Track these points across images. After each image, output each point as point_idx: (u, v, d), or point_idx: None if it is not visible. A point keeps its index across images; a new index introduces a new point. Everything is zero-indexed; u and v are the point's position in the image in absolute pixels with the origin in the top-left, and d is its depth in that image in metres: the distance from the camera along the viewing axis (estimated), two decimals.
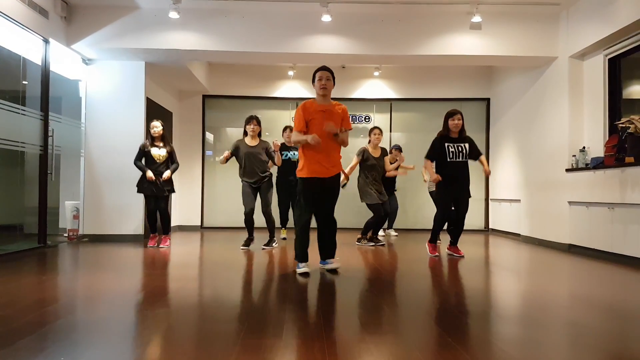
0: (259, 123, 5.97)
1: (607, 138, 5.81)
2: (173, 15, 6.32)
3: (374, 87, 9.31)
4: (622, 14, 5.35)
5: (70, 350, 2.24)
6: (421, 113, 9.44)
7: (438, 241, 5.69)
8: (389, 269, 4.79)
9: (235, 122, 9.22)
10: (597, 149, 5.98)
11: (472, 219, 9.19)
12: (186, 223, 9.11)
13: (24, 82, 5.85)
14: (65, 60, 6.59)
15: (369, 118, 9.34)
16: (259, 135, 6.01)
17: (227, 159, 5.88)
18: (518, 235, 7.77)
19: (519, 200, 7.78)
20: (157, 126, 6.16)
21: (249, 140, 5.95)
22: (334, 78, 4.36)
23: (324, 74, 4.31)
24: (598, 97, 6.09)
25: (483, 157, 5.50)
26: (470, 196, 5.39)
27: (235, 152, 5.93)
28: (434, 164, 5.38)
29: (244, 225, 6.04)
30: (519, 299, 3.56)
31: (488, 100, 9.21)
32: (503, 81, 8.62)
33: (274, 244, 6.14)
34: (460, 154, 5.24)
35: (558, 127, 6.62)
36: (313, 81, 4.37)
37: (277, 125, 9.06)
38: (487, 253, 6.15)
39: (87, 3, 6.46)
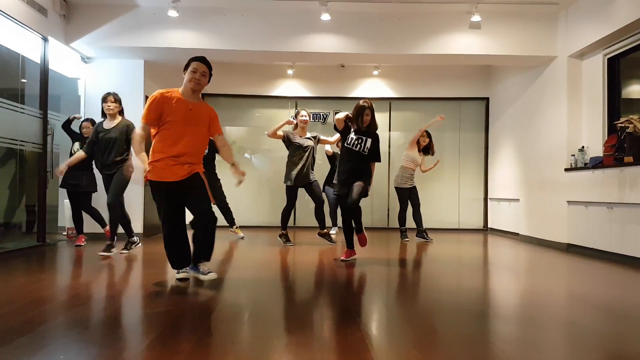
0: None
1: (606, 138, 5.82)
2: (172, 13, 6.31)
3: (373, 86, 9.29)
4: (621, 14, 5.35)
5: (69, 348, 2.24)
6: (420, 112, 9.43)
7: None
8: (386, 267, 4.79)
9: (234, 121, 9.21)
10: (596, 149, 5.99)
11: (471, 218, 9.22)
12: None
13: (22, 81, 5.84)
14: (64, 58, 6.57)
15: None
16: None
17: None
18: (517, 234, 7.78)
19: (518, 199, 7.79)
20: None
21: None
22: (210, 75, 3.72)
23: (200, 67, 3.62)
24: (597, 97, 6.09)
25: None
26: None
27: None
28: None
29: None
30: (518, 299, 3.57)
31: (487, 99, 9.20)
32: (502, 80, 8.62)
33: None
34: (359, 145, 4.78)
35: (557, 126, 6.63)
36: (186, 68, 3.67)
37: (276, 123, 9.04)
38: (486, 252, 6.16)
39: (86, 1, 6.44)
